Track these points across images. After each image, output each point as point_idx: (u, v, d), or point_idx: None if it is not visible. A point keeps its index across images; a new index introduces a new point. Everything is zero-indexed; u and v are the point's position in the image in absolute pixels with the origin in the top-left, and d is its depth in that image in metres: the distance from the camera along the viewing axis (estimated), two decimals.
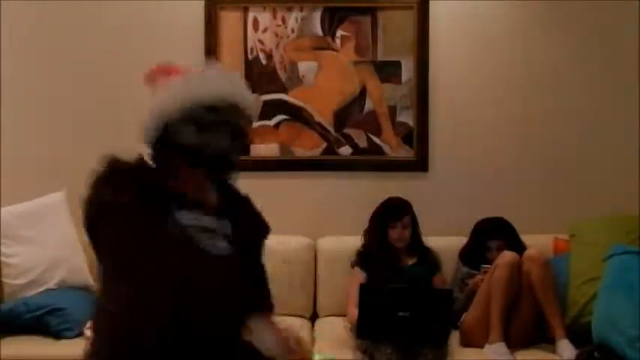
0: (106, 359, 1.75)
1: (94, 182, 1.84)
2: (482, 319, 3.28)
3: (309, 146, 3.94)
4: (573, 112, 3.94)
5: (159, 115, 1.84)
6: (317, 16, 3.92)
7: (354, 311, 3.30)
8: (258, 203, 2.08)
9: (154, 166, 1.88)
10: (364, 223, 3.59)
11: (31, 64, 3.94)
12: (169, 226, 1.77)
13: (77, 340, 3.26)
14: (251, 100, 1.92)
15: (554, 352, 3.22)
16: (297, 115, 3.93)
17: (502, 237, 3.55)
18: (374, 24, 3.92)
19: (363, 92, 3.93)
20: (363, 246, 3.58)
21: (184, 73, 1.89)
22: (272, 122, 3.93)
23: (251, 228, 1.99)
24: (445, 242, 3.69)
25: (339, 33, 3.92)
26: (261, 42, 3.92)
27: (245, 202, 2.05)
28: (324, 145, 3.94)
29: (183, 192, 1.84)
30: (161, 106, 1.83)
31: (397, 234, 3.51)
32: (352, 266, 3.54)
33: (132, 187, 1.79)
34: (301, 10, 3.91)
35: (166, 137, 1.83)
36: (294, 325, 2.05)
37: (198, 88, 1.82)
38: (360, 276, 3.47)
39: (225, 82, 1.88)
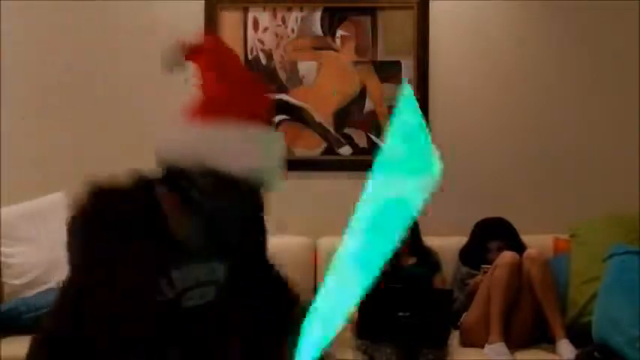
0: None
1: (84, 226, 1.58)
2: (482, 319, 3.28)
3: (309, 146, 3.94)
4: (573, 112, 3.94)
5: (168, 152, 1.58)
6: (317, 16, 3.92)
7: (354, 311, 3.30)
8: None
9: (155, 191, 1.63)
10: None
11: (31, 64, 3.94)
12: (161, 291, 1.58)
13: None
14: (280, 173, 1.61)
15: (554, 352, 3.22)
16: (297, 115, 3.93)
17: (502, 237, 3.55)
18: (374, 24, 3.92)
19: (363, 92, 3.93)
20: None
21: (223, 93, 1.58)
22: None
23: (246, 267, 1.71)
24: (445, 242, 3.68)
25: (339, 33, 3.92)
26: (261, 42, 3.92)
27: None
28: (324, 145, 3.94)
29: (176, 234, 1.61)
30: (174, 143, 1.57)
31: None
32: None
33: (130, 234, 1.56)
34: (301, 10, 3.91)
35: (174, 172, 1.57)
36: None
37: (223, 148, 1.53)
38: None
39: (262, 151, 1.57)
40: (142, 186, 1.63)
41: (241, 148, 1.54)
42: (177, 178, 1.56)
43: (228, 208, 1.58)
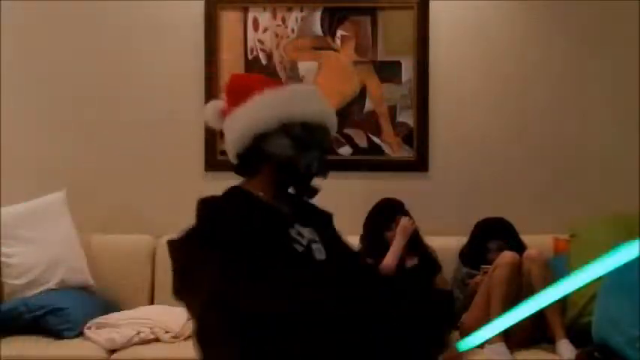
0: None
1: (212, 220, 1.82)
2: (482, 319, 3.27)
3: None
4: (573, 112, 3.94)
5: (250, 127, 1.87)
6: (317, 16, 3.92)
7: None
8: None
9: (243, 180, 1.94)
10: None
11: (31, 64, 3.94)
12: (291, 242, 1.84)
13: (77, 340, 3.26)
14: (335, 122, 2.01)
15: (554, 352, 3.22)
16: None
17: (502, 237, 3.55)
18: (374, 24, 3.92)
19: (363, 92, 3.93)
20: (361, 250, 3.56)
21: (270, 88, 1.91)
22: None
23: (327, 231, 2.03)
24: (445, 242, 3.68)
25: (339, 33, 3.92)
26: (261, 42, 3.93)
27: (310, 207, 2.10)
28: None
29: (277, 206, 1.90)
30: (253, 118, 1.86)
31: (395, 235, 3.50)
32: None
33: (249, 216, 1.83)
34: (301, 10, 3.92)
35: (257, 148, 1.87)
36: None
37: (292, 103, 1.87)
38: None
39: (315, 100, 1.95)
40: (232, 192, 1.89)
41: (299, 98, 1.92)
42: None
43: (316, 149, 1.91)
